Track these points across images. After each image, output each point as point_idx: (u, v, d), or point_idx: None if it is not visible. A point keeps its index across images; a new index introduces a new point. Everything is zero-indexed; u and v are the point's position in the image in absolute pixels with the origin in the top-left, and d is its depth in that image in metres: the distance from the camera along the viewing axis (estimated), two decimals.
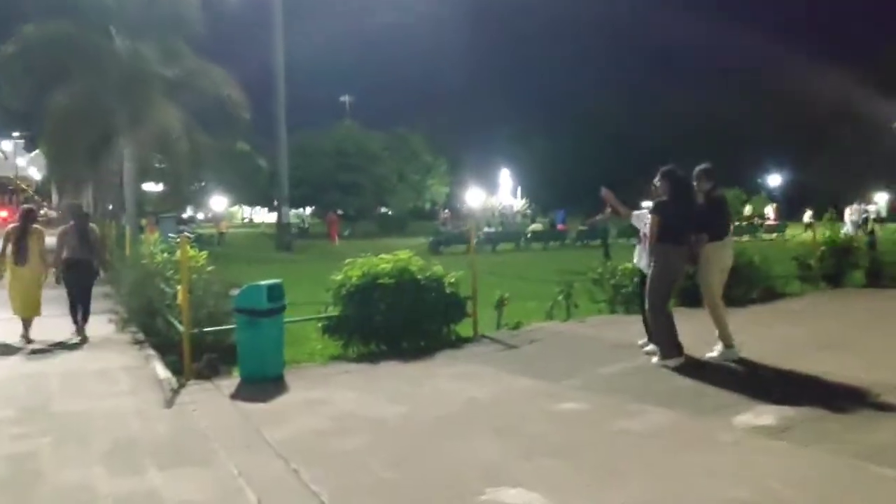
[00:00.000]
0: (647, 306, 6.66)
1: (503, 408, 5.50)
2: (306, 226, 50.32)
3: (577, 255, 24.13)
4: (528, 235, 31.20)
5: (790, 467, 4.09)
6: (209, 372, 6.69)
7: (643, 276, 6.99)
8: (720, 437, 4.65)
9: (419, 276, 8.01)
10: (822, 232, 13.23)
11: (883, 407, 5.16)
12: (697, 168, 6.97)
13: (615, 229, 24.69)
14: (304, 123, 50.32)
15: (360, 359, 7.41)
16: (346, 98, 65.73)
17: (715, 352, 6.75)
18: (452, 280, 8.24)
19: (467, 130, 65.50)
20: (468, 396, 5.81)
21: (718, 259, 6.86)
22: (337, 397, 5.91)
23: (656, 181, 6.79)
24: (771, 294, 11.16)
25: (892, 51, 53.63)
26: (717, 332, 6.82)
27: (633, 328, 8.29)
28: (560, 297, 9.60)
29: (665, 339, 6.59)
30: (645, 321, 7.03)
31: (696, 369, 6.37)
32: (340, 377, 6.66)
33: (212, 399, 5.98)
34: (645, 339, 7.16)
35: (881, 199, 46.14)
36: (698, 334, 6.88)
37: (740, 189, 47.52)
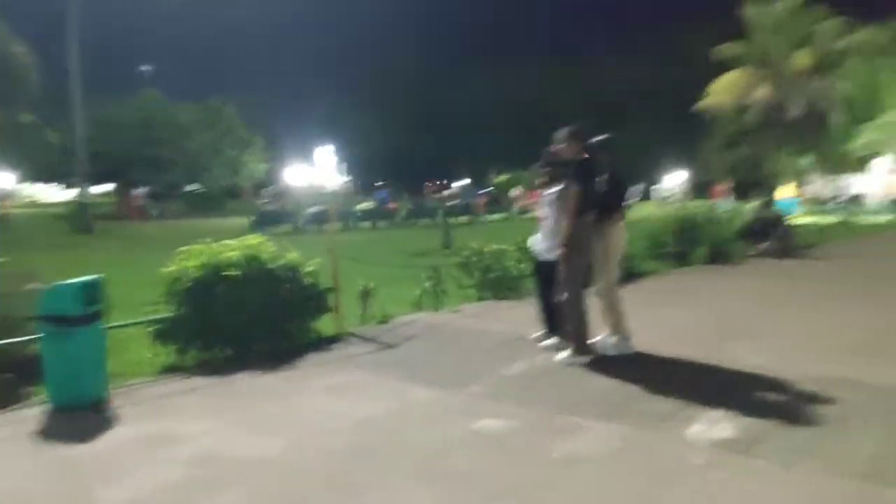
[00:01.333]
0: (561, 296, 5.80)
1: (410, 432, 4.39)
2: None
3: (411, 235, 23.47)
4: (359, 214, 30.12)
5: (797, 499, 3.37)
6: (3, 400, 5.00)
7: (543, 262, 6.13)
8: (689, 458, 3.86)
9: (272, 266, 6.68)
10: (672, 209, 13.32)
11: (838, 403, 4.65)
12: (600, 138, 6.21)
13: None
14: (103, 93, 45.20)
15: (204, 369, 5.97)
16: (146, 67, 60.18)
17: (609, 344, 6.07)
18: (311, 269, 6.98)
19: (287, 105, 62.93)
20: (360, 417, 4.65)
21: (620, 239, 6.17)
22: (187, 429, 4.51)
23: (560, 143, 5.96)
24: (631, 274, 10.87)
25: (692, 30, 57.71)
26: (608, 321, 6.14)
27: (515, 317, 7.53)
28: (428, 285, 8.60)
29: (581, 333, 5.79)
30: (546, 312, 6.21)
31: (605, 368, 5.63)
32: (186, 398, 5.22)
33: (9, 441, 4.36)
34: (541, 332, 6.34)
35: (675, 179, 49.93)
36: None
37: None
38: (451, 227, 19.61)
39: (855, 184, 31.47)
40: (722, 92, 45.29)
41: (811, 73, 42.68)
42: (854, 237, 18.83)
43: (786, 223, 14.66)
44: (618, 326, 6.09)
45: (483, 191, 44.60)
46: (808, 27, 43.82)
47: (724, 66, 45.65)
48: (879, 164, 38.00)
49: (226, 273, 6.30)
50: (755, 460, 3.80)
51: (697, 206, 16.90)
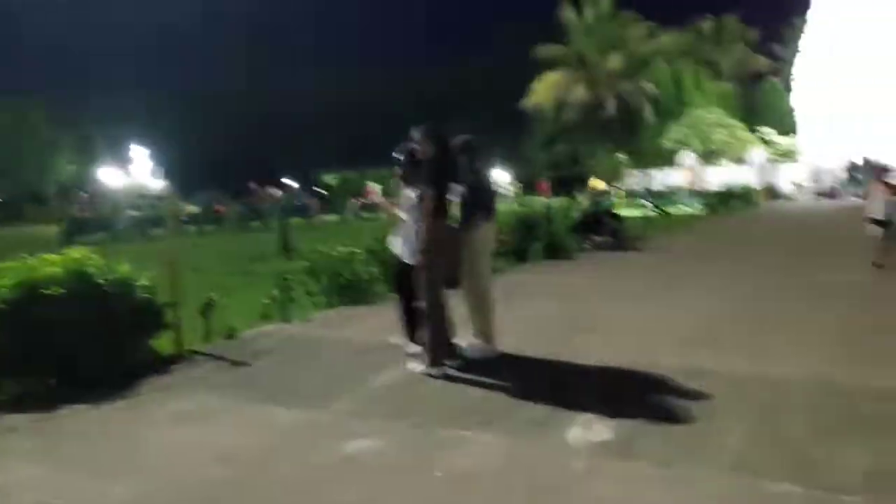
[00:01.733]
0: (421, 301, 5.57)
1: (276, 463, 3.98)
2: None
3: (243, 239, 22.47)
4: (184, 219, 28.45)
5: (683, 499, 3.36)
6: None
7: (402, 265, 5.88)
8: (572, 465, 3.77)
9: (101, 281, 5.95)
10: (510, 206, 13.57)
11: (700, 395, 4.77)
12: (461, 138, 6.05)
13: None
14: None
15: (23, 403, 5.19)
16: None
17: (475, 347, 5.96)
18: (146, 283, 6.31)
19: (100, 104, 58.26)
20: (218, 451, 4.16)
21: (489, 240, 6.07)
22: (14, 478, 3.83)
23: (415, 145, 5.73)
24: None
25: (516, 31, 59.80)
26: (476, 323, 6.03)
27: (374, 324, 7.26)
28: (275, 293, 8.09)
29: (438, 342, 5.58)
30: (408, 317, 5.96)
31: (473, 373, 5.49)
32: (6, 440, 4.47)
33: None
34: (404, 339, 6.10)
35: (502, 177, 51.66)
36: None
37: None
38: (289, 230, 18.90)
39: (667, 177, 33.91)
40: (543, 91, 47.52)
41: (623, 74, 45.88)
42: (671, 227, 20.27)
43: (616, 217, 15.42)
44: (485, 329, 5.97)
45: (315, 191, 43.73)
46: (618, 31, 47.06)
47: (545, 66, 47.97)
48: (686, 159, 41.37)
49: (47, 291, 5.52)
50: (636, 462, 3.77)
51: (535, 202, 17.36)
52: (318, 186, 49.74)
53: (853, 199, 28.47)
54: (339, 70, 61.76)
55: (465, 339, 5.99)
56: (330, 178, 52.02)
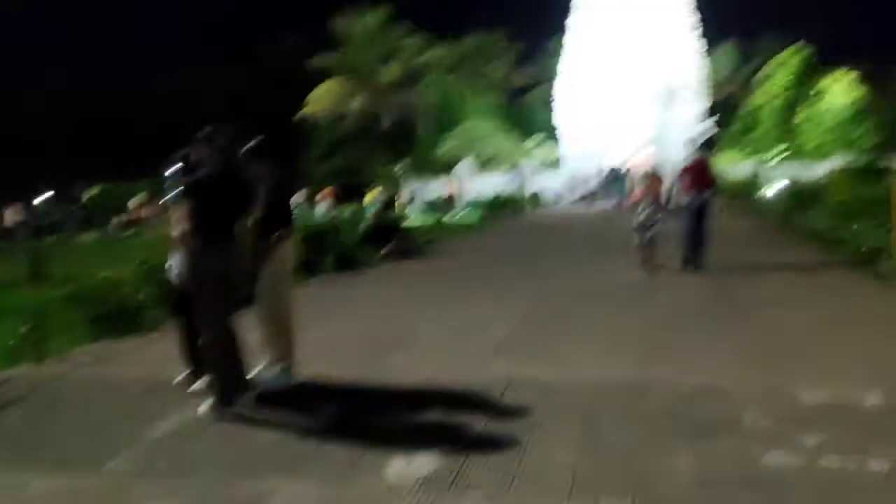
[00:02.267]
0: (204, 332, 4.84)
1: None
2: None
3: None
4: None
5: None
6: None
7: (182, 290, 5.11)
8: None
9: None
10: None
11: (520, 408, 4.56)
12: (251, 143, 5.41)
13: None
14: None
15: None
16: None
17: (271, 377, 5.36)
18: None
19: None
20: None
21: (288, 258, 5.48)
22: None
23: (194, 152, 5.01)
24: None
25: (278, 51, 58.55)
26: (273, 350, 5.43)
27: (148, 358, 6.38)
28: (25, 328, 6.81)
29: (227, 374, 4.87)
30: (190, 348, 5.19)
31: (272, 408, 4.89)
32: None
33: None
34: (186, 374, 5.33)
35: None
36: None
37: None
38: (41, 252, 16.62)
39: (444, 187, 34.80)
40: (320, 101, 46.89)
41: (399, 85, 46.56)
42: (453, 235, 20.67)
43: (404, 227, 15.32)
44: (285, 356, 5.38)
45: (71, 207, 39.54)
46: (394, 42, 47.66)
47: (322, 76, 47.34)
48: (462, 168, 42.81)
49: None
50: (468, 493, 3.44)
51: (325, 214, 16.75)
52: (76, 200, 45.06)
53: (605, 205, 30.97)
54: (101, 77, 56.49)
55: (260, 369, 5.36)
56: (91, 191, 47.38)
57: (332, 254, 12.91)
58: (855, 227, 10.43)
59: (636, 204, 10.66)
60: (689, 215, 10.34)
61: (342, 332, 7.32)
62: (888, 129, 38.25)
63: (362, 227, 14.65)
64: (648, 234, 10.42)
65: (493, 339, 6.61)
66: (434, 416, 4.65)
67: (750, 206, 21.68)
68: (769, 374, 5.12)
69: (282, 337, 5.39)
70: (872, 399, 4.48)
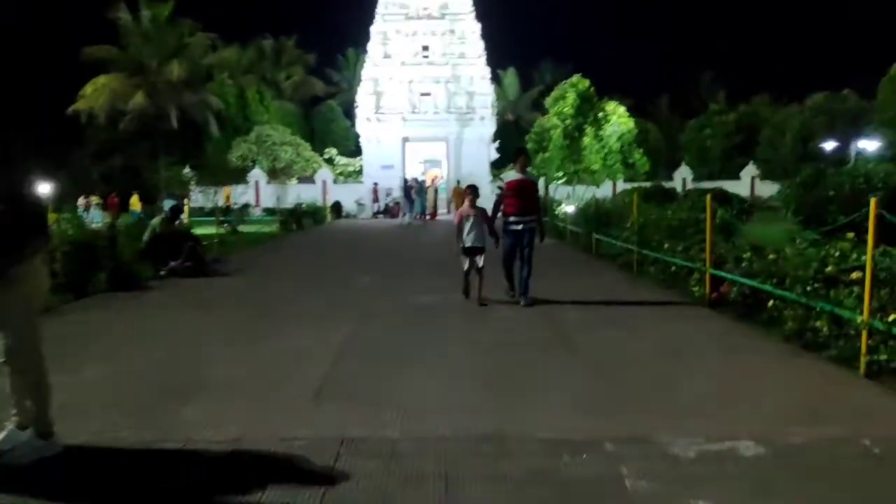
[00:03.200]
0: None
1: None
2: None
3: None
4: None
5: None
6: None
7: None
8: None
9: None
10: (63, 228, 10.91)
11: (362, 479, 3.59)
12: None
13: None
14: None
15: None
16: None
17: (22, 444, 3.97)
18: None
19: None
20: None
21: (38, 284, 4.07)
22: None
23: None
24: None
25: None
26: (22, 407, 4.03)
27: None
28: None
29: None
30: None
31: (22, 488, 3.55)
32: None
33: None
34: None
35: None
36: None
37: None
38: None
39: (241, 195, 32.67)
40: (94, 96, 42.42)
41: (184, 85, 43.30)
42: (250, 246, 19.11)
43: (193, 237, 13.65)
44: (40, 414, 3.99)
45: None
46: (178, 40, 44.31)
47: (96, 69, 42.85)
48: (256, 175, 40.69)
49: None
50: None
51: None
52: None
53: (409, 218, 30.74)
54: None
55: (4, 434, 3.94)
56: None
57: (105, 270, 11.10)
58: (667, 246, 10.58)
59: (460, 224, 9.21)
60: (512, 240, 9.12)
61: (118, 375, 5.87)
62: (658, 156, 41.98)
63: (145, 237, 12.82)
64: (478, 260, 9.10)
65: (312, 378, 5.56)
66: (245, 496, 3.55)
67: (553, 228, 22.14)
68: (630, 418, 4.59)
69: (32, 390, 4.00)
70: (748, 444, 4.06)
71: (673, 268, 10.42)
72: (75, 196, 41.77)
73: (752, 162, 41.45)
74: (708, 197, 9.34)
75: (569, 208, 20.75)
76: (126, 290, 10.75)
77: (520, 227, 9.04)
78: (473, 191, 9.45)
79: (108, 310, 9.24)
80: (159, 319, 8.46)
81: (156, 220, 13.12)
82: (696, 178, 40.51)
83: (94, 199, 36.90)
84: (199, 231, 20.04)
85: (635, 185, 23.79)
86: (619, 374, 5.65)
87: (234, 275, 12.76)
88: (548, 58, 71.55)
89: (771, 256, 7.62)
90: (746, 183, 40.71)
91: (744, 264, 8.16)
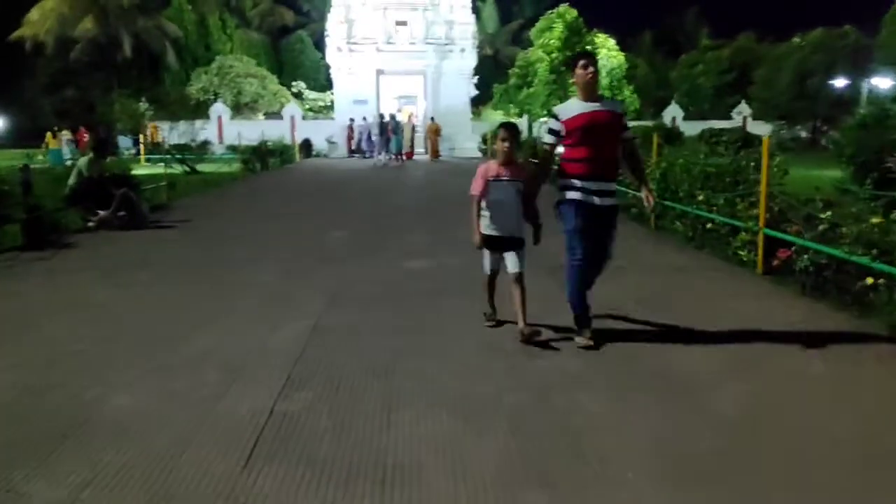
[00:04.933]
0: None
1: None
2: None
3: None
4: None
5: None
6: None
7: None
8: None
9: None
10: None
11: None
12: None
13: None
14: None
15: None
16: None
17: None
18: None
19: None
20: None
21: None
22: None
23: None
24: None
25: None
26: None
27: None
28: None
29: None
30: None
31: None
32: None
33: None
34: None
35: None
36: None
37: None
38: None
39: (201, 131, 30.02)
40: (41, 22, 38.97)
41: (138, 10, 39.91)
42: (204, 190, 16.93)
43: (130, 182, 11.51)
44: None
45: None
46: None
47: None
48: (218, 110, 37.86)
49: None
50: None
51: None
52: None
53: (383, 158, 28.52)
54: None
55: None
56: None
57: (17, 221, 9.04)
58: (701, 198, 8.71)
59: (481, 194, 4.92)
60: (579, 223, 4.75)
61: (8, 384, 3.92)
62: (646, 93, 39.91)
63: (70, 181, 10.66)
64: (511, 261, 4.94)
65: (239, 435, 3.66)
66: None
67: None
68: None
69: None
70: None
71: (709, 225, 8.59)
72: (32, 132, 38.73)
73: (743, 101, 39.55)
74: (765, 140, 7.42)
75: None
76: (41, 247, 8.72)
77: (595, 200, 4.72)
78: (510, 133, 4.93)
79: (12, 276, 7.21)
80: (60, 296, 6.40)
81: (82, 161, 10.91)
82: (687, 118, 38.56)
83: (66, 135, 33.98)
84: (149, 172, 17.86)
85: (635, 123, 21.78)
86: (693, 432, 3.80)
87: (179, 228, 10.70)
88: None
89: (874, 220, 5.77)
90: (738, 123, 38.87)
91: (821, 227, 6.32)
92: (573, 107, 4.83)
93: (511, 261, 4.95)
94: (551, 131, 4.86)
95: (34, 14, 39.27)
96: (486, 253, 5.13)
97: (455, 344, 4.87)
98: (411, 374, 4.27)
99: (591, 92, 4.79)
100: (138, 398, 3.90)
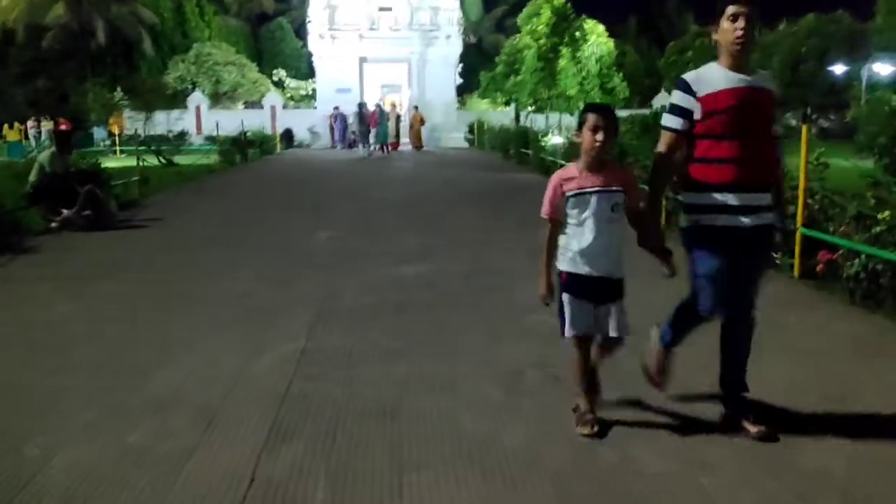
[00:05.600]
0: None
1: None
2: None
3: None
4: None
5: None
6: None
7: None
8: None
9: None
10: None
11: None
12: None
13: None
14: None
15: None
16: None
17: None
18: None
19: None
20: None
21: None
22: None
23: None
24: None
25: None
26: None
27: None
28: None
29: None
30: None
31: None
32: None
33: None
34: None
35: None
36: None
37: None
38: None
39: (178, 121, 28.94)
40: (9, 9, 37.56)
41: None
42: (179, 184, 16.01)
43: (98, 178, 10.62)
44: None
45: None
46: None
47: None
48: (197, 100, 36.69)
49: None
50: None
51: None
52: None
53: (364, 149, 27.57)
54: None
55: None
56: None
57: None
58: None
59: (555, 210, 3.26)
60: (723, 260, 3.20)
61: None
62: (635, 81, 39.22)
63: (31, 178, 9.78)
64: (610, 315, 3.27)
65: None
66: None
67: (537, 161, 19.24)
68: None
69: None
70: None
71: None
72: (4, 123, 37.28)
73: None
74: (804, 129, 6.71)
75: (556, 139, 18.06)
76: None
77: (744, 221, 3.17)
78: (607, 119, 3.17)
79: None
80: (10, 313, 5.55)
81: (44, 156, 10.02)
82: None
83: (46, 125, 32.65)
84: (122, 165, 16.91)
85: (625, 112, 21.00)
86: None
87: (149, 227, 9.84)
88: None
89: None
90: None
91: (876, 229, 5.62)
92: (715, 76, 3.18)
93: (613, 319, 3.25)
94: (680, 111, 3.20)
95: (3, 1, 37.87)
96: (569, 305, 3.27)
97: (470, 371, 4.12)
98: (422, 415, 3.52)
99: (742, 57, 3.16)
100: (90, 454, 3.12)
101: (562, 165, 16.74)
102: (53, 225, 9.35)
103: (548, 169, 17.45)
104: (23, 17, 37.39)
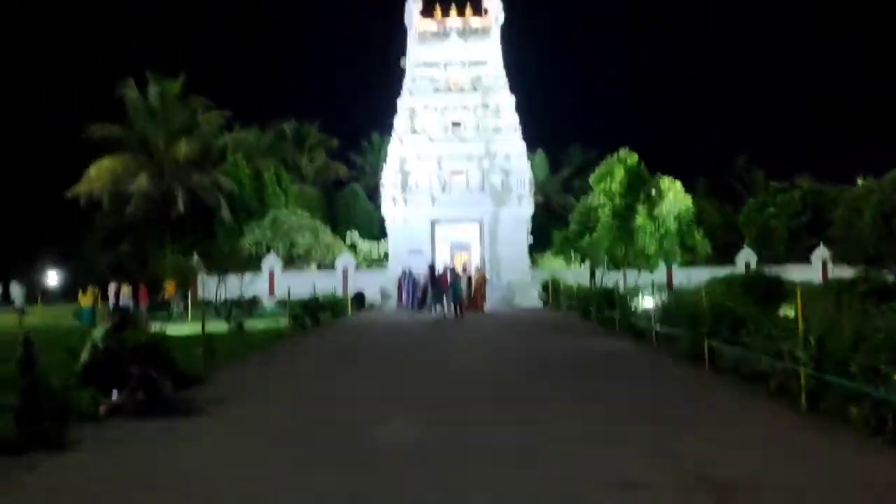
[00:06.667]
0: None
1: None
2: None
3: None
4: None
5: None
6: None
7: None
8: None
9: None
10: None
11: None
12: None
13: None
14: None
15: None
16: None
17: None
18: None
19: None
20: None
21: None
22: None
23: None
24: None
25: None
26: None
27: None
28: None
29: None
30: None
31: None
32: None
33: None
34: None
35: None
36: None
37: None
38: None
39: (251, 284, 28.80)
40: (99, 178, 39.48)
41: (194, 165, 40.32)
42: (249, 353, 15.05)
43: (159, 354, 9.69)
44: None
45: None
46: (189, 118, 41.57)
47: (102, 149, 40.05)
48: (271, 263, 36.96)
49: None
50: None
51: None
52: None
53: (436, 312, 26.58)
54: None
55: None
56: None
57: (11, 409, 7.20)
58: None
59: None
60: None
61: None
62: (715, 238, 37.95)
63: (83, 357, 8.88)
64: None
65: None
66: None
67: (625, 326, 17.72)
68: None
69: None
70: None
71: None
72: (94, 287, 37.87)
73: (821, 243, 37.18)
74: None
75: (647, 302, 16.62)
76: (34, 444, 6.79)
77: None
78: None
79: None
80: None
81: (98, 332, 9.15)
82: (760, 262, 36.22)
83: (125, 290, 32.76)
84: (189, 331, 16.19)
85: (707, 270, 19.58)
86: None
87: (207, 415, 8.61)
88: (575, 140, 68.69)
89: None
90: (817, 267, 36.34)
91: None
92: None
93: None
94: None
95: (92, 171, 39.87)
96: None
97: None
98: None
99: None
100: None
101: (657, 333, 14.99)
102: (102, 410, 8.30)
103: (641, 335, 15.90)
104: (108, 185, 39.15)
